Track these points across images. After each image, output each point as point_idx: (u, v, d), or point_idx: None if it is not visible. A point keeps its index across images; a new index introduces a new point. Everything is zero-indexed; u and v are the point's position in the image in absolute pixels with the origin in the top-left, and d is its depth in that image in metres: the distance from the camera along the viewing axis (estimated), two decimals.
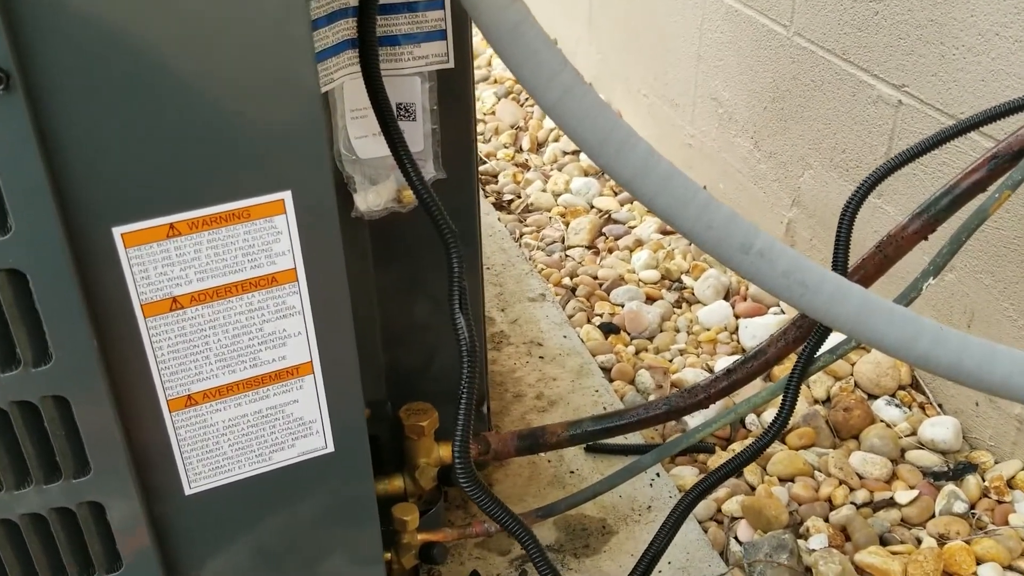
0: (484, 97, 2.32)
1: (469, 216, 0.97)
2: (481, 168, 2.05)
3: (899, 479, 1.19)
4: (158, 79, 0.55)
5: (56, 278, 0.56)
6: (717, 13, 1.72)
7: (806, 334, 0.99)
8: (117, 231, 0.58)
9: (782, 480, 1.20)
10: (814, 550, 1.08)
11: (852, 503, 1.16)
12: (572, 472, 1.21)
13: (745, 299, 1.53)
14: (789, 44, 1.54)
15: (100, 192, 0.57)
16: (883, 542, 1.10)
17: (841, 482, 1.18)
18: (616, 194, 1.92)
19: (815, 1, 1.45)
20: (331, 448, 0.73)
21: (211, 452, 0.68)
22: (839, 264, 0.90)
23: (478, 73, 2.46)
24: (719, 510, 1.16)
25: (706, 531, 1.12)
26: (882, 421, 1.28)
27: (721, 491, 1.18)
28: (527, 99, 2.31)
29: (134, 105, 0.55)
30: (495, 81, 2.40)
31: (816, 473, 1.21)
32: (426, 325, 1.04)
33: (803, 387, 1.35)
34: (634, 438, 1.25)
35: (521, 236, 1.82)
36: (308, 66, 0.59)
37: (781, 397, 0.94)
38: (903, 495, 1.15)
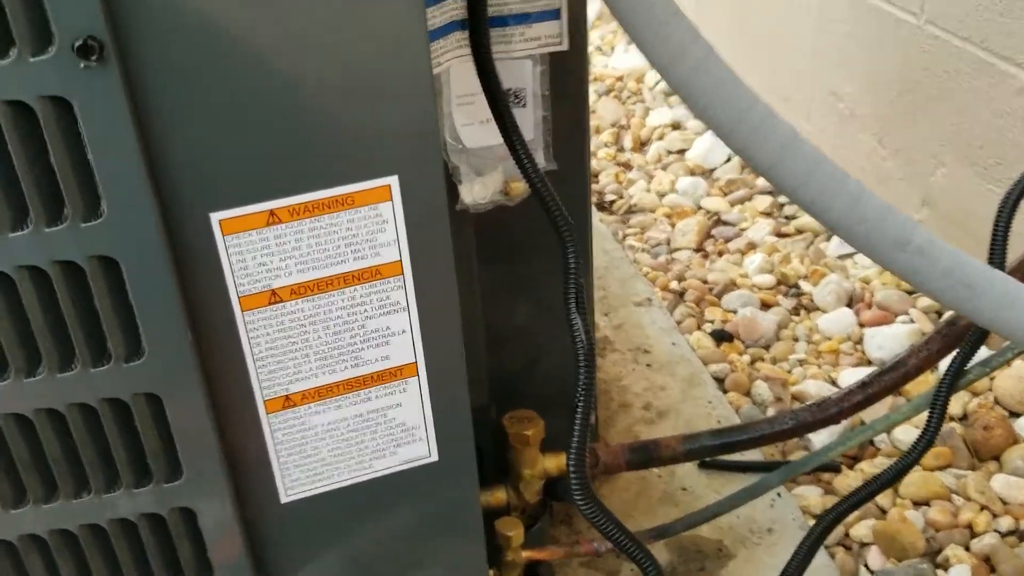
0: None
1: (581, 211, 0.91)
2: None
3: None
4: (263, 57, 0.51)
5: (151, 267, 0.53)
6: (838, 3, 1.61)
7: (952, 344, 0.89)
8: (215, 217, 0.54)
9: (916, 503, 1.10)
10: None
11: (996, 531, 1.05)
12: (684, 489, 1.13)
13: (870, 306, 1.42)
14: (920, 33, 1.43)
15: (198, 175, 0.53)
16: None
17: (983, 507, 1.08)
18: (726, 195, 1.83)
19: None
20: (435, 457, 0.68)
21: (309, 457, 0.64)
22: (995, 264, 0.81)
23: None
24: (847, 535, 1.07)
25: (833, 557, 1.03)
26: None
27: (851, 515, 1.08)
28: (629, 96, 2.24)
29: (236, 84, 0.51)
30: (596, 79, 2.33)
31: (954, 496, 1.10)
32: (531, 327, 0.98)
33: None
34: (752, 454, 1.17)
35: (624, 237, 1.75)
36: (420, 44, 0.54)
37: (928, 413, 0.85)
38: None
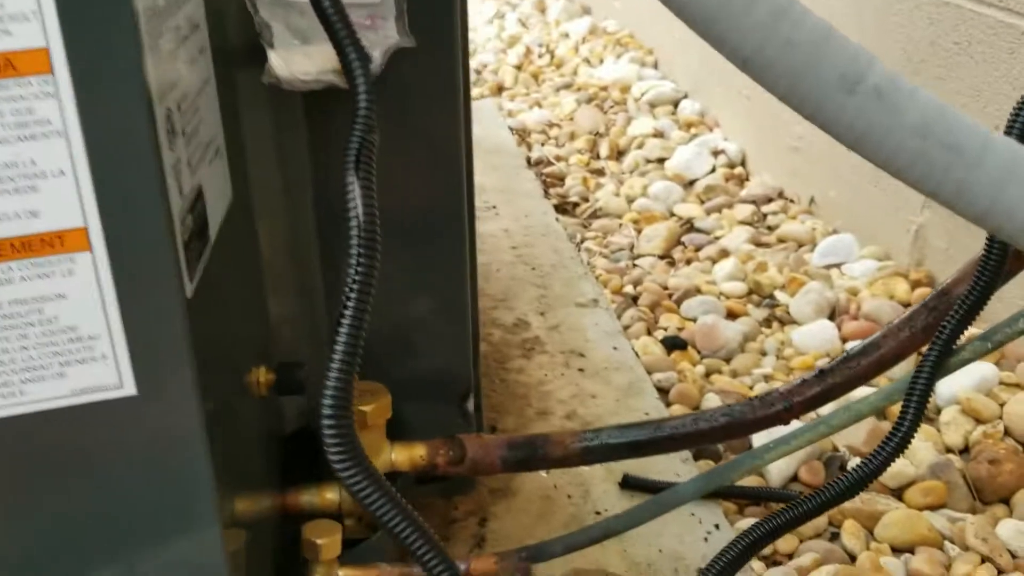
0: (564, 103, 2.05)
1: (447, 106, 0.69)
2: (547, 170, 1.78)
3: None
4: None
5: None
6: None
7: (942, 319, 0.65)
8: None
9: (896, 550, 0.85)
10: None
11: None
12: (599, 513, 0.88)
13: (856, 318, 1.18)
14: (926, 3, 1.22)
15: None
16: None
17: (984, 559, 0.82)
18: (702, 202, 1.61)
19: None
20: (130, 389, 0.44)
21: None
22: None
23: (559, 80, 2.21)
24: None
25: None
26: None
27: (806, 557, 0.83)
28: (612, 106, 2.04)
29: None
30: (579, 88, 2.14)
31: (947, 545, 0.85)
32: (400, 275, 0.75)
33: (932, 429, 0.99)
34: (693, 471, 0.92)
35: (583, 241, 1.52)
36: None
37: (902, 404, 0.61)
38: None
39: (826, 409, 0.73)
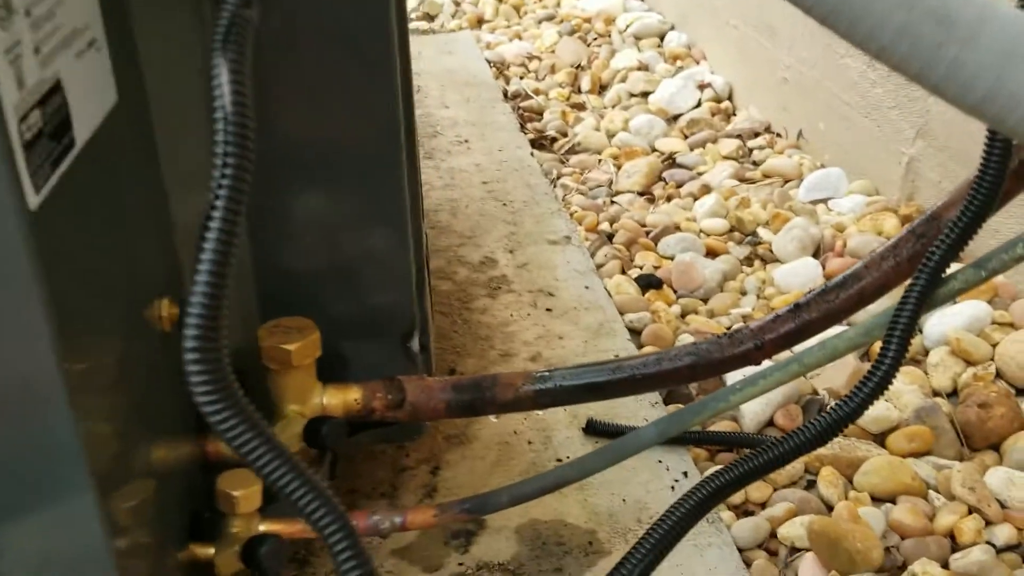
0: (546, 35, 1.96)
1: (375, 16, 0.60)
2: (525, 104, 1.69)
3: None
4: None
5: None
6: None
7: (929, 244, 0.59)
8: None
9: (877, 499, 0.79)
10: None
11: (989, 543, 0.74)
12: (561, 460, 0.83)
13: (841, 255, 1.12)
14: None
15: None
16: None
17: (972, 510, 0.77)
18: (686, 137, 1.53)
19: None
20: None
21: None
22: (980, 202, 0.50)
23: (542, 12, 2.11)
24: (774, 534, 0.76)
25: (749, 565, 0.72)
26: None
27: (779, 507, 0.78)
28: (596, 39, 1.94)
29: None
30: (561, 20, 2.04)
31: (932, 494, 0.80)
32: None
33: (919, 371, 0.93)
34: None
35: (559, 177, 1.45)
36: None
37: (884, 338, 0.55)
38: None
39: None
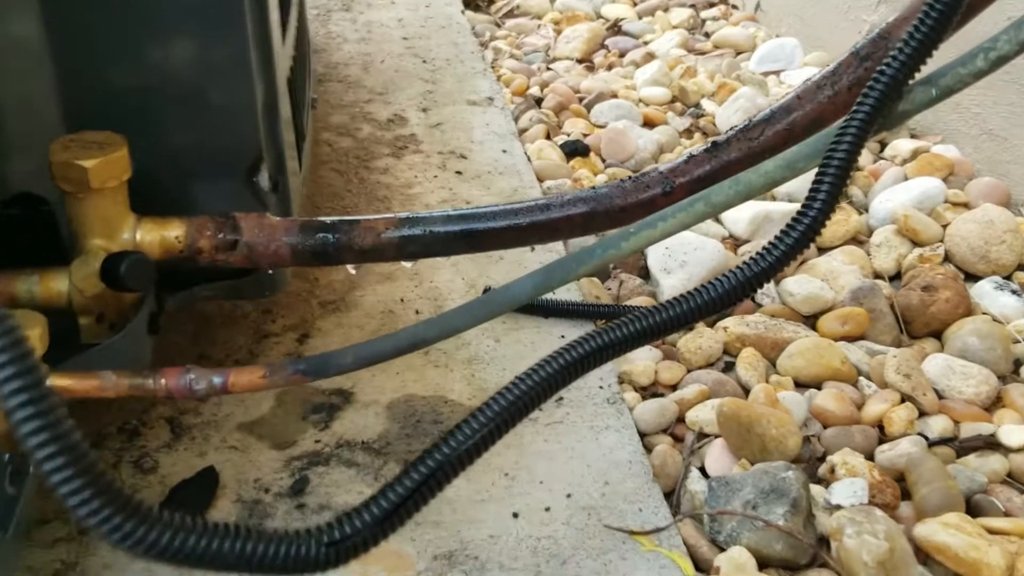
0: None
1: None
2: None
3: (1007, 406, 0.69)
4: None
5: None
6: None
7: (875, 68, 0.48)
8: None
9: (802, 385, 0.71)
10: (839, 506, 0.59)
11: (922, 435, 0.66)
12: None
13: None
14: None
15: None
16: (973, 510, 0.61)
17: (905, 398, 0.68)
18: (635, 4, 1.40)
19: None
20: None
21: None
22: None
23: None
24: (682, 419, 0.67)
25: (650, 451, 0.63)
26: (985, 313, 0.77)
27: (691, 389, 0.69)
28: None
29: None
30: None
31: (863, 382, 0.71)
32: None
33: (860, 251, 0.84)
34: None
35: (492, 40, 1.32)
36: None
37: (815, 174, 0.44)
38: (1014, 432, 0.65)
39: None
